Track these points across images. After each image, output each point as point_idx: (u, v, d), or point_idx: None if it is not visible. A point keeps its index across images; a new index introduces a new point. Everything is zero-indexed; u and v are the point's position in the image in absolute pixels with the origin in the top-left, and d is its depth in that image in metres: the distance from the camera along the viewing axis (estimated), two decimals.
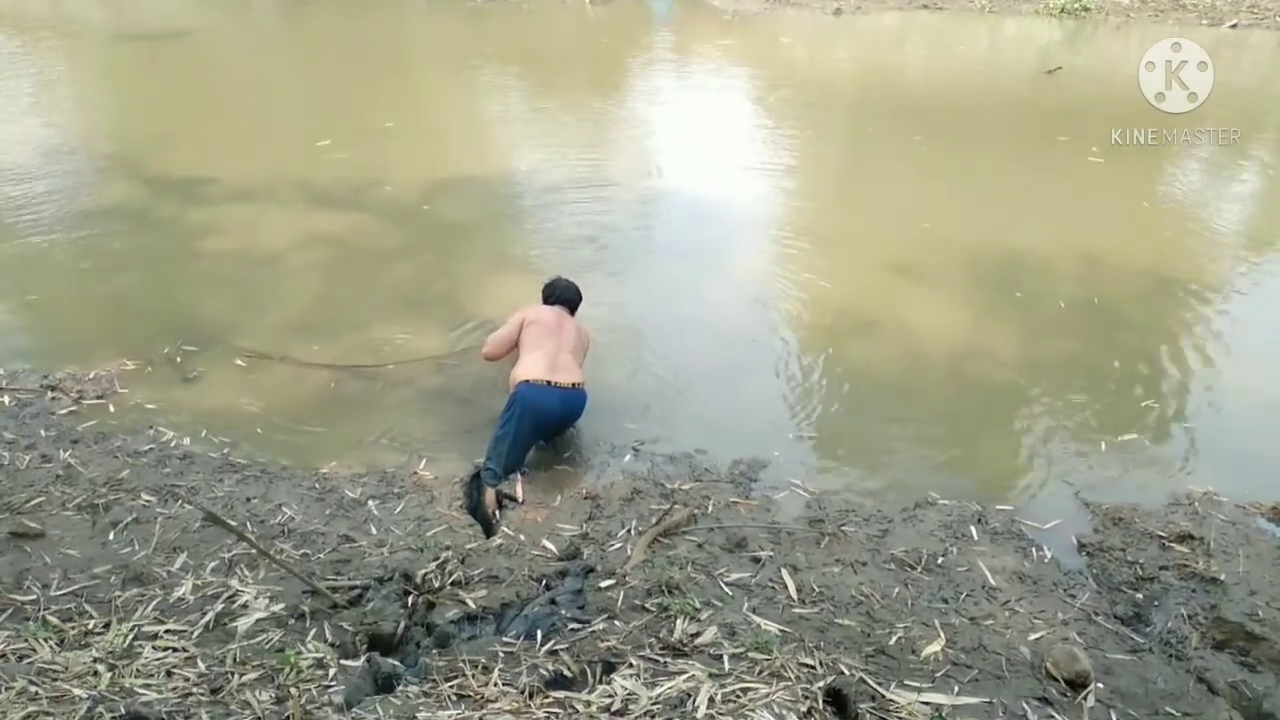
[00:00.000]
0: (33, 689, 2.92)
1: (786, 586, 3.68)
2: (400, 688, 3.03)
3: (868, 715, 2.95)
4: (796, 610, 3.54)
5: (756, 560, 3.87)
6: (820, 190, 8.89)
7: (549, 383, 4.67)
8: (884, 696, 3.04)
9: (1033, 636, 3.46)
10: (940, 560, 3.92)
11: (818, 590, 3.66)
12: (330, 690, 2.97)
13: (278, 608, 3.44)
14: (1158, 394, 5.38)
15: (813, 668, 3.16)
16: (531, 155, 9.49)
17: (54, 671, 3.05)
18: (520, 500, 4.41)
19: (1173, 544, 4.11)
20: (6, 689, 2.89)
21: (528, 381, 4.66)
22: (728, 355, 5.77)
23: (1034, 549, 4.07)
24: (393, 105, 11.28)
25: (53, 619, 3.36)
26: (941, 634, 3.43)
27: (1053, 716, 3.00)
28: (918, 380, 5.52)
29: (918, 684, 3.13)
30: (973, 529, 4.17)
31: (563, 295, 5.35)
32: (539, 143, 10.00)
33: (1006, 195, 8.48)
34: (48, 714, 2.78)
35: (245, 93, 12.32)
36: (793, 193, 8.71)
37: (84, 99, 12.54)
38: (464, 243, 7.25)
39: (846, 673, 3.14)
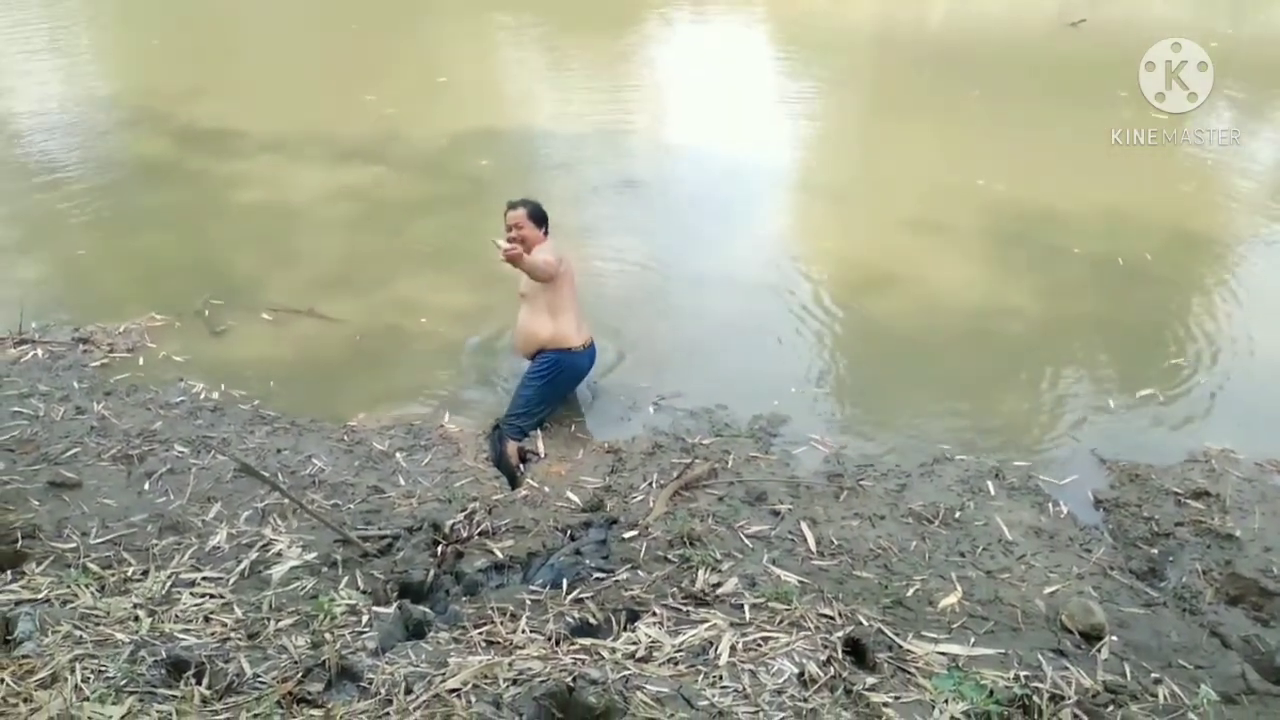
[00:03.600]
0: (77, 633, 3.02)
1: (806, 539, 3.75)
2: (431, 634, 3.13)
3: (886, 664, 3.02)
4: (815, 562, 3.61)
5: (776, 513, 3.93)
6: (840, 143, 8.85)
7: (584, 346, 4.72)
8: (902, 647, 3.12)
9: (1048, 590, 3.52)
10: (957, 515, 3.97)
11: (836, 543, 3.73)
12: (364, 636, 3.07)
13: (310, 556, 3.55)
14: (1177, 351, 5.38)
15: (832, 618, 3.24)
16: (557, 108, 9.43)
17: (96, 616, 3.16)
18: (542, 455, 4.48)
19: (1189, 500, 4.15)
20: (53, 632, 3.00)
21: (570, 350, 4.67)
22: (747, 310, 5.80)
23: (1050, 504, 4.12)
24: (431, 57, 11.20)
25: (93, 566, 3.48)
26: (958, 587, 3.49)
27: (1067, 668, 3.06)
28: (937, 336, 5.54)
29: (935, 635, 3.20)
30: (990, 484, 4.22)
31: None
32: (567, 95, 9.92)
33: (1029, 149, 8.39)
34: (93, 656, 2.88)
35: (281, 44, 12.25)
36: (813, 146, 8.67)
37: (114, 51, 12.53)
38: (483, 197, 7.25)
39: (865, 623, 3.21)
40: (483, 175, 7.66)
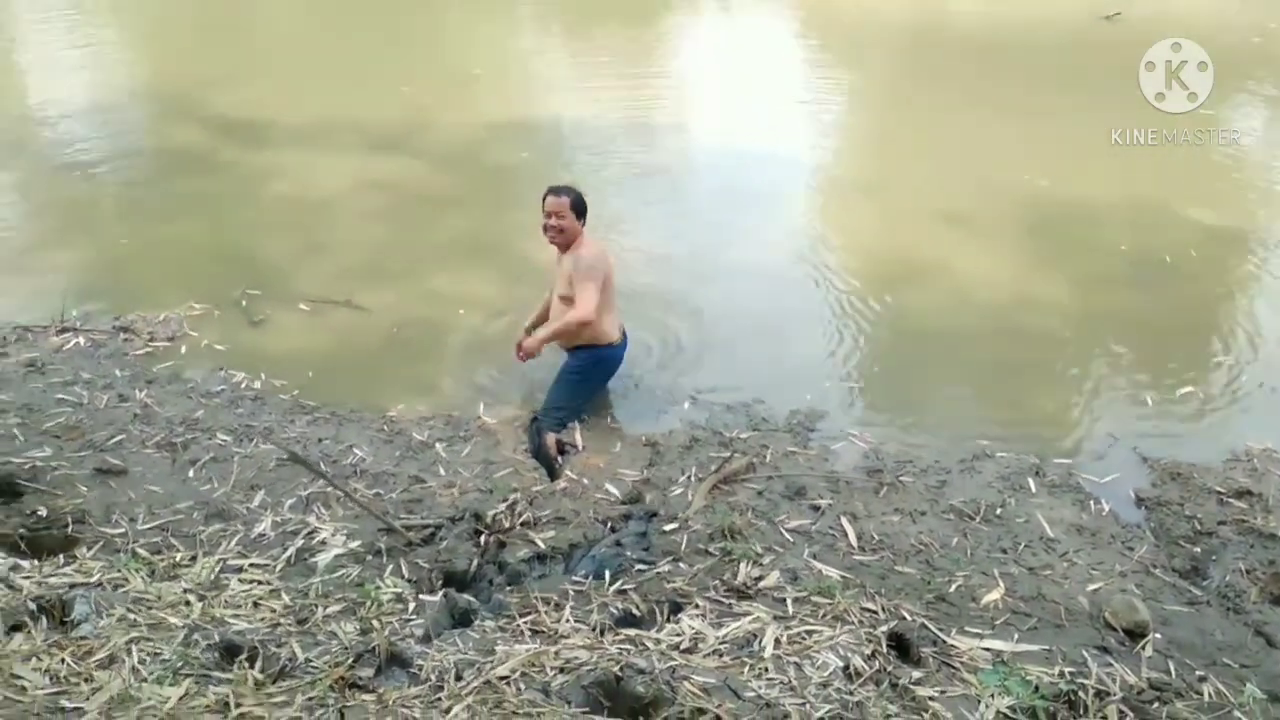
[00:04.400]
0: (131, 616, 3.07)
1: (846, 534, 3.75)
2: (477, 622, 3.16)
3: (930, 659, 3.03)
4: (857, 557, 3.61)
5: (816, 508, 3.94)
6: (871, 134, 8.82)
7: (620, 340, 4.75)
8: (945, 642, 3.12)
9: (1091, 587, 3.51)
10: (998, 511, 3.96)
11: (877, 538, 3.73)
12: (411, 623, 3.11)
13: (355, 544, 3.59)
14: (1218, 349, 5.34)
15: (875, 612, 3.24)
16: (590, 99, 9.43)
17: (148, 601, 3.21)
18: (581, 447, 4.50)
19: (1231, 499, 4.12)
20: (108, 615, 3.05)
21: (611, 345, 4.70)
22: (781, 304, 5.79)
23: (1092, 502, 4.10)
24: (465, 49, 11.23)
25: (142, 551, 3.53)
26: (1001, 583, 3.48)
27: (1112, 664, 3.05)
28: (974, 331, 5.51)
29: (978, 631, 3.20)
30: (1030, 481, 4.21)
31: None
32: (600, 86, 9.91)
33: (1064, 143, 8.31)
34: (148, 639, 2.93)
35: (311, 35, 12.32)
36: (843, 137, 8.66)
37: (144, 41, 12.64)
38: (517, 188, 7.27)
39: (908, 618, 3.22)
40: (518, 167, 7.69)
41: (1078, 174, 7.51)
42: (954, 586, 3.45)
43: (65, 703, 2.60)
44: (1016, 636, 3.19)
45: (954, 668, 3.01)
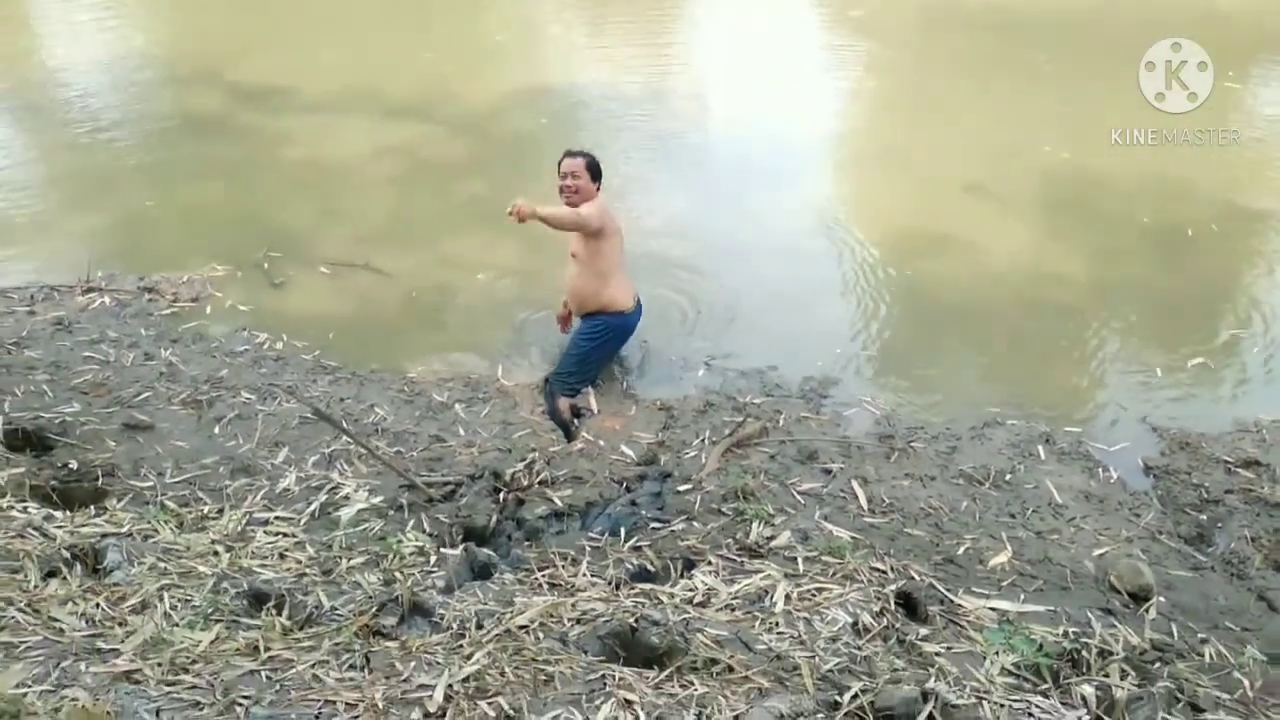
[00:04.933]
0: (161, 565, 3.17)
1: (857, 497, 3.83)
2: (496, 575, 3.25)
3: (938, 617, 3.10)
4: (867, 519, 3.69)
5: (827, 472, 4.01)
6: (892, 104, 8.77)
7: (634, 307, 4.80)
8: (952, 601, 3.20)
9: (1097, 552, 3.57)
10: (1008, 477, 4.02)
11: (887, 501, 3.80)
12: (432, 575, 3.20)
13: (377, 500, 3.69)
14: (1230, 322, 5.35)
15: (884, 572, 3.32)
16: (611, 67, 9.42)
17: (177, 551, 3.31)
18: (595, 411, 4.58)
19: (1239, 469, 4.17)
20: (139, 563, 3.16)
21: (624, 313, 4.75)
22: (796, 273, 5.84)
23: (1100, 469, 4.16)
24: (485, 15, 11.20)
25: (170, 504, 3.64)
26: (1008, 546, 3.56)
27: (1115, 626, 3.12)
28: (987, 301, 5.55)
29: (985, 591, 3.28)
30: (1040, 448, 4.26)
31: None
32: (622, 55, 9.88)
33: (1093, 116, 8.23)
34: (178, 587, 3.03)
35: (331, 2, 12.29)
36: (863, 107, 8.63)
37: (167, 9, 12.64)
38: (536, 155, 7.30)
39: (916, 578, 3.29)
40: (536, 133, 7.72)
41: (1105, 148, 7.44)
42: (962, 549, 3.52)
43: (101, 644, 2.70)
44: (1022, 597, 3.27)
45: (960, 626, 3.08)
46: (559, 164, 4.68)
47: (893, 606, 3.12)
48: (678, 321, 5.31)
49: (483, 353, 5.00)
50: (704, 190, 6.85)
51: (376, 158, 7.15)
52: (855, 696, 2.52)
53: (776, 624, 2.97)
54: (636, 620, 2.85)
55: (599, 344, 4.76)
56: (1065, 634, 3.04)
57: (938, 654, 2.88)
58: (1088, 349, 5.16)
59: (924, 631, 3.01)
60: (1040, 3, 11.94)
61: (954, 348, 5.20)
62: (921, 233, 6.22)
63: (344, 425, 3.96)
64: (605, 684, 2.55)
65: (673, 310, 5.37)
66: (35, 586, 2.96)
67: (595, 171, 4.69)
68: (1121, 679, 2.80)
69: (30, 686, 2.40)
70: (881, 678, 2.65)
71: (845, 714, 2.48)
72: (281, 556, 3.34)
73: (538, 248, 5.85)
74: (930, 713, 2.44)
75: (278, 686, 2.48)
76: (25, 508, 3.51)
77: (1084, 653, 2.93)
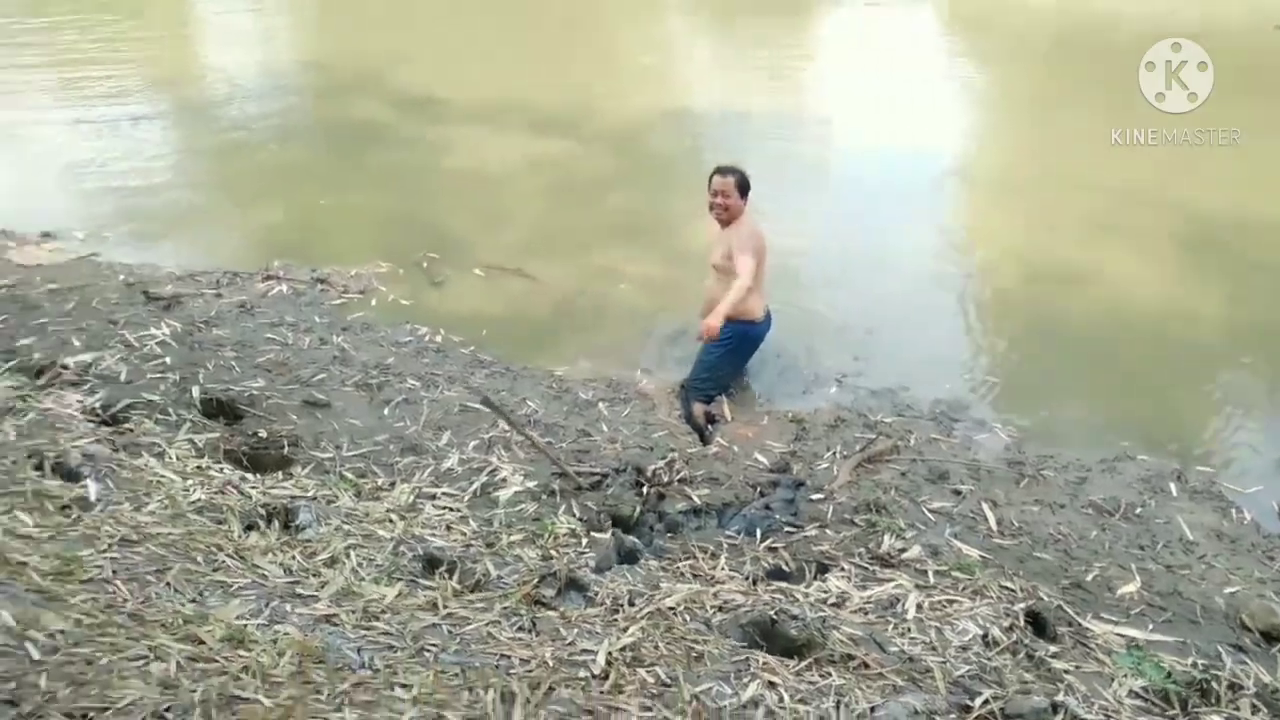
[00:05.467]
0: (346, 527, 3.54)
1: (986, 518, 3.94)
2: (642, 560, 3.50)
3: (1066, 638, 3.21)
4: (996, 540, 3.80)
5: (957, 492, 4.13)
6: (1020, 133, 8.76)
7: (764, 318, 4.99)
8: (1081, 624, 3.29)
9: (1228, 590, 3.59)
10: (1138, 511, 4.07)
11: (1017, 525, 3.90)
12: (584, 555, 3.47)
13: (531, 484, 3.99)
14: None
15: (1013, 591, 3.43)
16: (752, 91, 9.68)
17: (358, 516, 3.67)
18: (729, 418, 4.80)
19: None
20: (326, 524, 3.52)
21: (755, 322, 4.91)
22: (926, 296, 5.97)
23: (1233, 510, 4.16)
24: (636, 40, 11.61)
25: (348, 474, 4.01)
26: (1137, 577, 3.61)
27: (1246, 662, 3.16)
28: (1116, 335, 5.57)
29: (1113, 618, 3.35)
30: (1171, 485, 4.28)
31: None
32: (761, 79, 10.15)
33: (1222, 154, 8.08)
34: (362, 547, 3.38)
35: (482, 17, 12.92)
36: (992, 134, 8.65)
37: (318, 26, 13.51)
38: (679, 173, 7.60)
39: (1045, 599, 3.39)
40: (680, 152, 8.04)
41: (1239, 188, 7.32)
42: (1090, 575, 3.60)
43: (300, 590, 3.05)
44: (1150, 627, 3.33)
45: (1088, 648, 3.18)
46: (709, 180, 4.85)
47: (1022, 624, 3.23)
48: (810, 338, 5.48)
49: (624, 356, 5.29)
50: (837, 212, 7.04)
51: (529, 169, 7.56)
52: (986, 702, 2.67)
53: (908, 629, 3.12)
54: (776, 613, 3.06)
55: (728, 351, 4.93)
56: (1194, 664, 3.10)
57: (1066, 671, 2.98)
58: (1220, 389, 5.13)
59: (1053, 649, 3.11)
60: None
61: (1083, 380, 5.23)
62: (1049, 263, 6.25)
63: (509, 415, 4.27)
64: (749, 665, 2.77)
65: (805, 327, 5.55)
66: (238, 537, 3.35)
67: (745, 188, 4.85)
68: (1252, 714, 2.86)
69: (248, 620, 2.76)
70: (1011, 688, 2.78)
71: (976, 717, 2.63)
72: (449, 528, 3.66)
73: (677, 262, 6.15)
74: None
75: (459, 639, 2.78)
76: (222, 468, 3.94)
77: (1214, 684, 2.99)
